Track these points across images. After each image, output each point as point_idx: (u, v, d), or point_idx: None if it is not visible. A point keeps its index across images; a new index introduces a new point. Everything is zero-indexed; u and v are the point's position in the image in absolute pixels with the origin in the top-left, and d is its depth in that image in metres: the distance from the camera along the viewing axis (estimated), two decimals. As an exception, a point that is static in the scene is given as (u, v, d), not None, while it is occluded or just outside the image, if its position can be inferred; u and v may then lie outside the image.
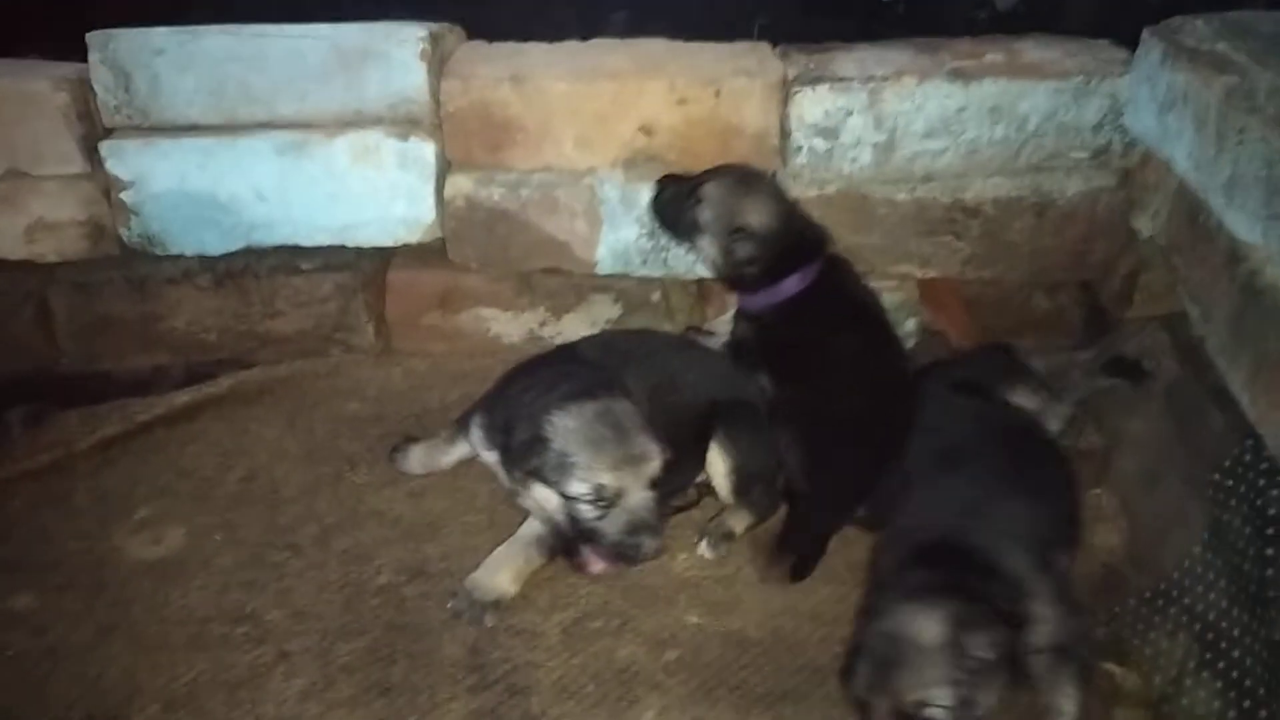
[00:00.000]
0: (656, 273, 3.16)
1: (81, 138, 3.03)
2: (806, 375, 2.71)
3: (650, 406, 2.42)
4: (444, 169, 3.13)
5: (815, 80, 2.93)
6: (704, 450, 2.57)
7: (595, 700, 2.18)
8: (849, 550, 2.54)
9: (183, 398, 3.05)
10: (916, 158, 2.98)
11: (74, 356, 3.25)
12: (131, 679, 2.22)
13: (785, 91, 2.96)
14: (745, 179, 2.83)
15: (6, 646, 2.29)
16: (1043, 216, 3.04)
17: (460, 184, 3.11)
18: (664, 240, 3.10)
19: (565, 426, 2.26)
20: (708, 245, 2.83)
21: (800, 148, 2.98)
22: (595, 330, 3.21)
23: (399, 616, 2.38)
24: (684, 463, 2.55)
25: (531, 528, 2.45)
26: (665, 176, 2.94)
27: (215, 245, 3.16)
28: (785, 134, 3.00)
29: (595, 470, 2.23)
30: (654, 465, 2.28)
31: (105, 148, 3.04)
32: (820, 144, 2.97)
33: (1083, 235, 3.06)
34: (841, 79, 2.92)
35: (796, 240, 2.80)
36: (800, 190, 3.04)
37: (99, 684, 2.21)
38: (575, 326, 3.24)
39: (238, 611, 2.39)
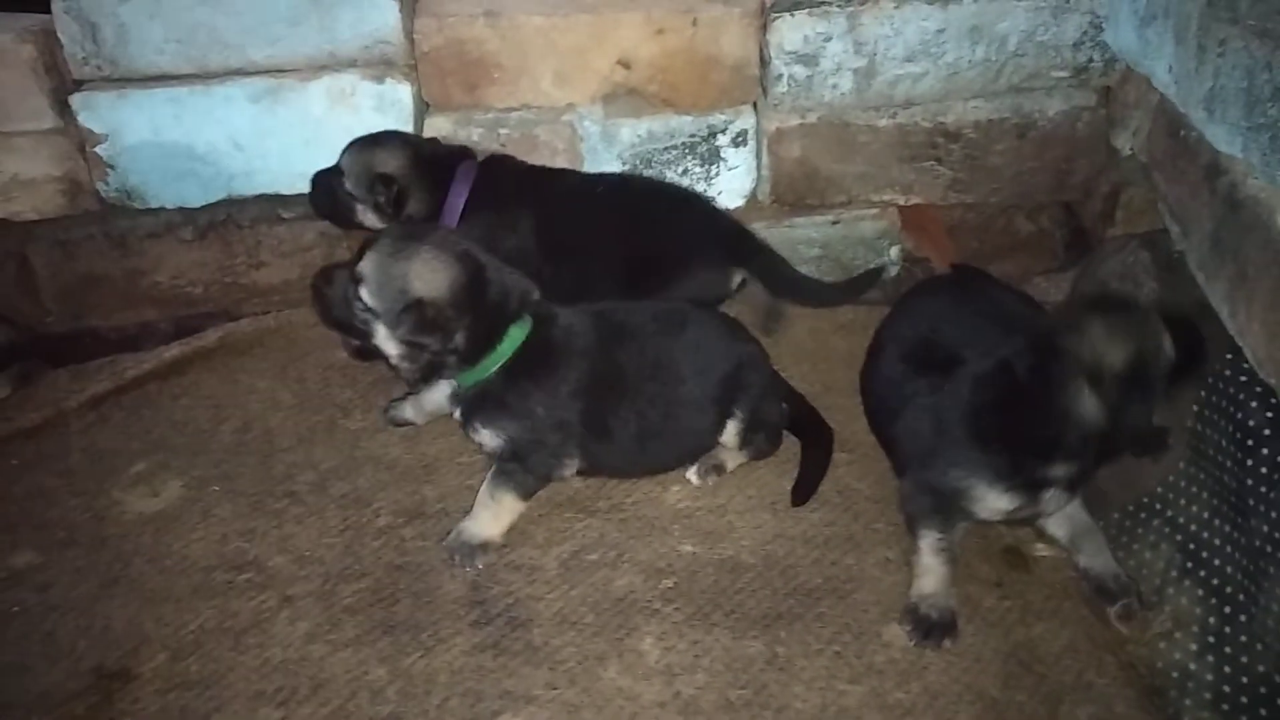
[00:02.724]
0: (640, 209, 3.15)
1: (51, 91, 2.98)
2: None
3: (645, 393, 2.42)
4: (422, 111, 3.10)
5: (794, 6, 2.90)
6: (720, 424, 2.53)
7: (595, 629, 2.22)
8: (836, 475, 2.58)
9: (172, 352, 3.03)
10: (897, 82, 2.96)
11: (60, 315, 3.24)
12: (138, 629, 2.25)
13: (764, 18, 2.94)
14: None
15: (12, 604, 2.31)
16: (1024, 138, 3.03)
17: (439, 125, 3.08)
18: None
19: None
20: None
21: (780, 76, 2.95)
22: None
23: (399, 557, 2.41)
24: (694, 437, 2.55)
25: (492, 470, 2.43)
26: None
27: (195, 197, 3.14)
28: (765, 62, 2.98)
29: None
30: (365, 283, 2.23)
31: (76, 101, 2.99)
32: (800, 71, 2.94)
33: (1064, 156, 3.06)
34: (820, 4, 2.89)
35: (436, 160, 2.85)
36: (781, 119, 3.02)
37: (106, 636, 2.24)
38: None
39: (239, 559, 2.41)
